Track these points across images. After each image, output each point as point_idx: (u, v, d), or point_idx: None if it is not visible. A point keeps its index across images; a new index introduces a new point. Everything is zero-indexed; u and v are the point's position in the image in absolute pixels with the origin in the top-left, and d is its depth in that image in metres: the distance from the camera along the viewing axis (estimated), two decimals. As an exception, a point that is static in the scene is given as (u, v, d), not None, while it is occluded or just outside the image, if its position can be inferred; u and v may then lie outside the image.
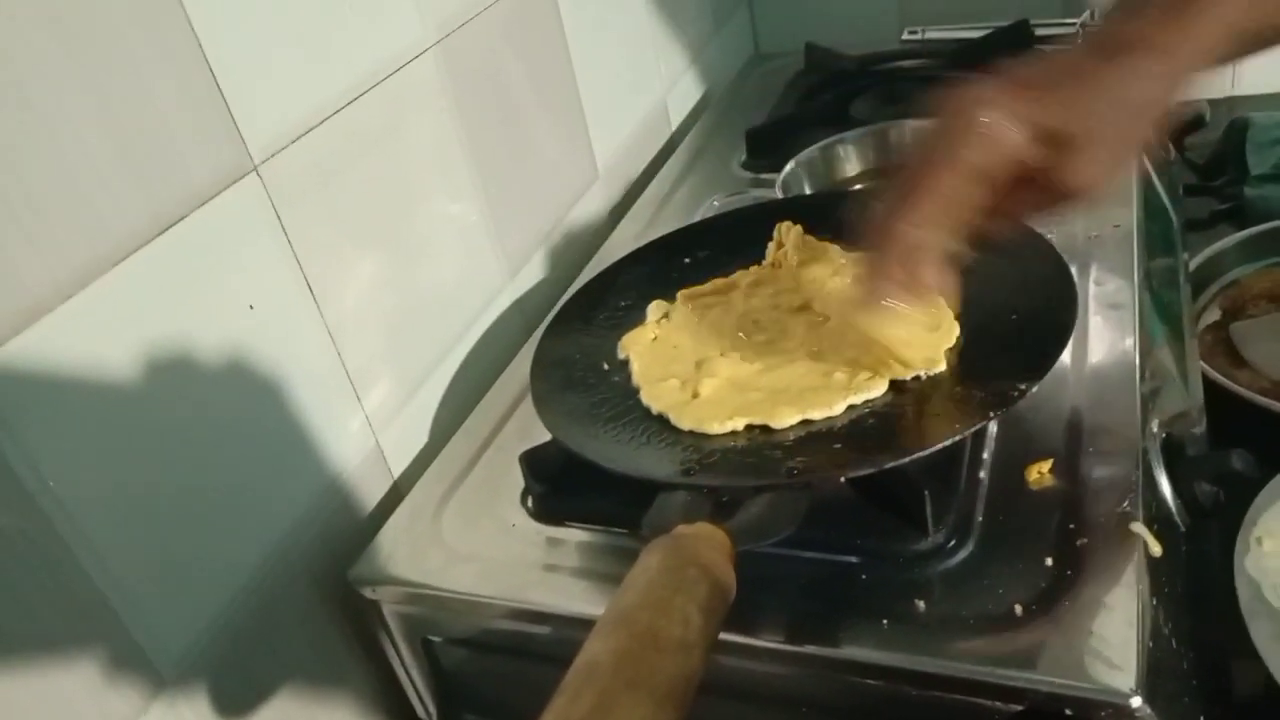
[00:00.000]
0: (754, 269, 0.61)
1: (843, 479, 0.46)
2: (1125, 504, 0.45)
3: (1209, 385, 0.67)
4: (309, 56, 0.55)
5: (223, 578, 0.51)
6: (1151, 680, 0.38)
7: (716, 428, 0.48)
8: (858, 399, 0.48)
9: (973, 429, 0.44)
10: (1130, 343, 0.55)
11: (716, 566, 0.38)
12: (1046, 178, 0.41)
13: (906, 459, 0.43)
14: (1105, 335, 0.56)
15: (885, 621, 0.43)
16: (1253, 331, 0.74)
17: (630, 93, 0.95)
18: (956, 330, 0.51)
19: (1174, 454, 0.50)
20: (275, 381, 0.53)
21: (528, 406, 0.57)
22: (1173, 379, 0.59)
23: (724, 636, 0.39)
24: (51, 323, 0.41)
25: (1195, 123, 0.88)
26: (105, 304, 0.44)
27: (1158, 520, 0.46)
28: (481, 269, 0.72)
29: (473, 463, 0.60)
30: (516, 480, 0.56)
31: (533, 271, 0.78)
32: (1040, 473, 0.48)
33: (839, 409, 0.47)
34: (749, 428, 0.48)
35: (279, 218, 0.53)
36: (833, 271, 0.57)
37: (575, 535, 0.52)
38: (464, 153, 0.69)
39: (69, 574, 0.43)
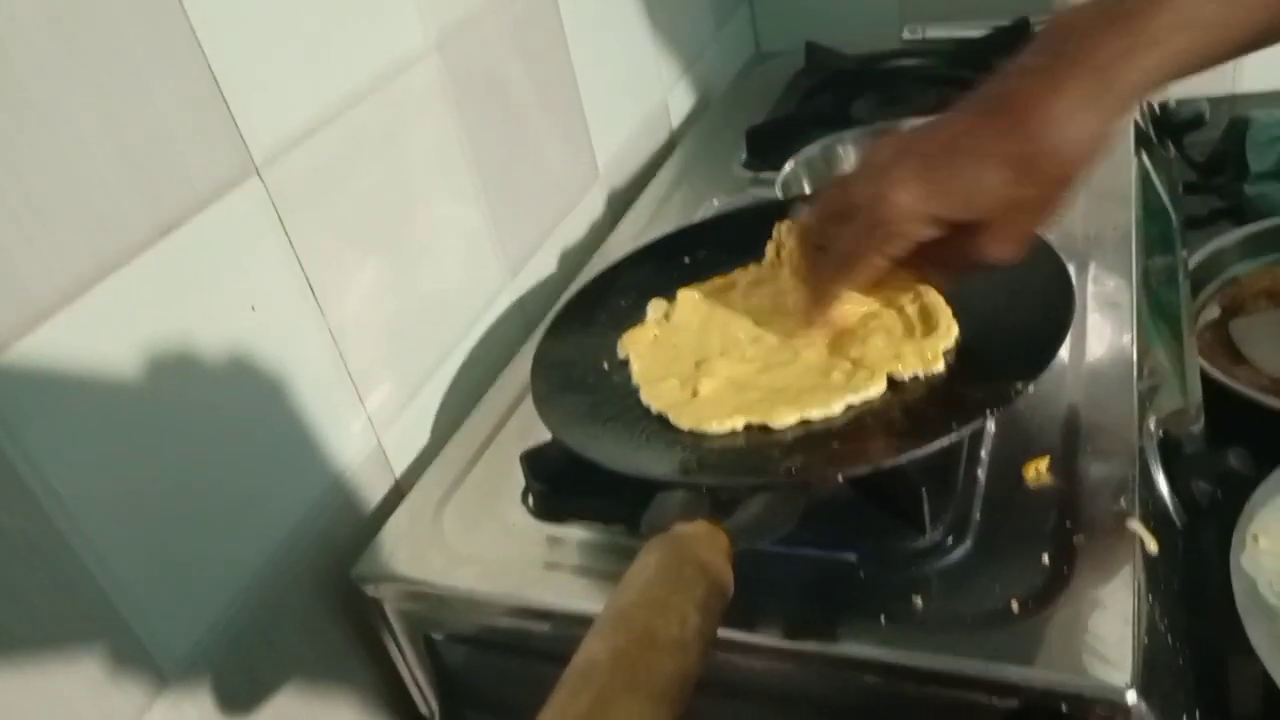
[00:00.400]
0: (753, 268, 0.61)
1: (841, 478, 0.47)
2: (1122, 502, 0.45)
3: (1208, 383, 0.67)
4: (311, 60, 0.55)
5: (225, 577, 0.51)
6: (1147, 677, 0.38)
7: (716, 427, 0.49)
8: (856, 399, 0.48)
9: (970, 427, 0.44)
10: (1128, 341, 0.55)
11: (714, 565, 0.38)
12: (953, 245, 0.43)
13: (904, 457, 0.43)
14: (1103, 334, 0.56)
15: (883, 619, 0.43)
16: (1252, 329, 0.74)
17: (630, 93, 0.95)
18: (955, 329, 0.51)
19: (1171, 452, 0.50)
20: (277, 382, 0.54)
21: (528, 406, 0.57)
22: (1171, 377, 0.60)
23: (723, 634, 0.39)
24: (54, 326, 0.42)
25: (1195, 121, 0.88)
26: (108, 307, 0.44)
27: (1154, 518, 0.46)
28: (482, 270, 0.72)
29: (474, 462, 0.60)
30: (517, 479, 0.56)
31: (533, 272, 0.78)
32: (1038, 471, 0.48)
33: (838, 409, 0.48)
34: (748, 427, 0.48)
35: (281, 220, 0.53)
36: None
37: (575, 534, 0.53)
38: (465, 155, 0.69)
39: (72, 574, 0.43)
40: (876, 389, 0.48)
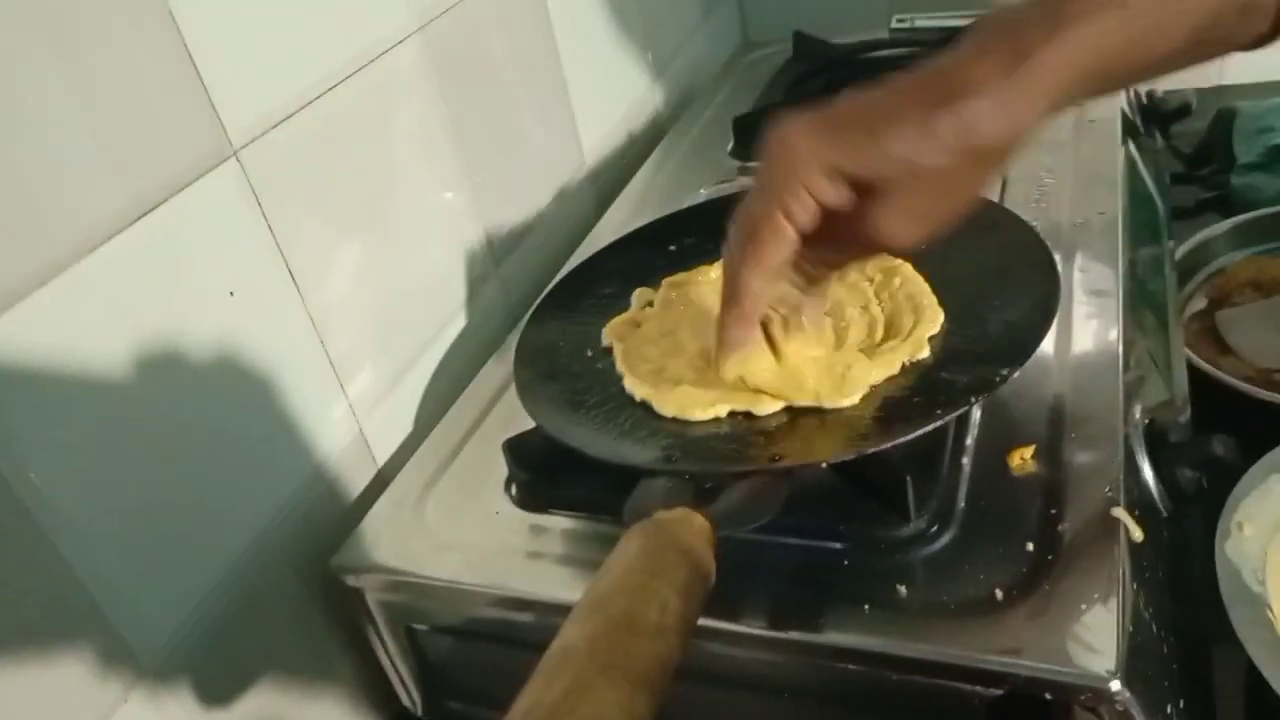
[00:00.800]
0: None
1: (824, 465, 0.46)
2: (1107, 490, 0.45)
3: (1194, 373, 0.67)
4: (290, 40, 0.54)
5: (204, 566, 0.51)
6: (1131, 664, 0.38)
7: (699, 414, 0.48)
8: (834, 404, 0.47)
9: (955, 414, 0.44)
10: (1114, 330, 0.55)
11: (696, 551, 0.38)
12: (848, 221, 0.40)
13: (889, 444, 0.43)
14: (1089, 322, 0.56)
15: (867, 607, 0.43)
16: (1238, 319, 0.74)
17: (617, 80, 0.95)
18: (940, 316, 0.51)
19: (1156, 440, 0.50)
20: (257, 369, 0.53)
21: (512, 394, 0.56)
22: (1157, 367, 0.60)
23: (706, 622, 0.39)
24: (26, 309, 0.41)
25: (1182, 111, 0.88)
26: (81, 290, 0.43)
27: (1139, 506, 0.46)
28: (466, 256, 0.72)
29: (457, 450, 0.60)
30: (500, 468, 0.56)
31: (518, 259, 0.78)
32: (1023, 459, 0.48)
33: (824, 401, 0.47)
34: (732, 414, 0.48)
35: (260, 204, 0.52)
36: None
37: (559, 522, 0.52)
38: (448, 139, 0.68)
39: (48, 563, 0.42)
40: (853, 399, 0.47)
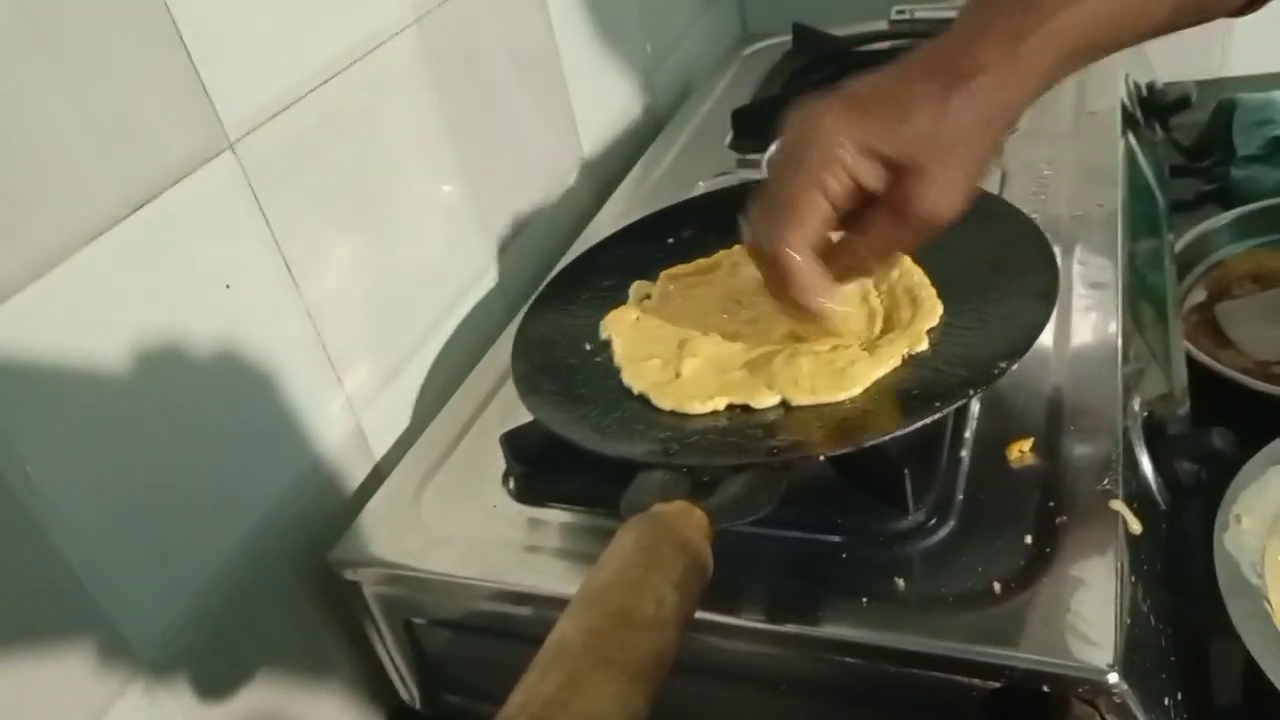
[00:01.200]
0: (737, 249, 0.60)
1: (822, 458, 0.46)
2: (1106, 482, 0.45)
3: (1193, 365, 0.67)
4: (286, 33, 0.54)
5: (201, 560, 0.50)
6: (1129, 657, 0.38)
7: (698, 407, 0.48)
8: (833, 398, 0.47)
9: (953, 406, 0.43)
10: (1113, 323, 0.54)
11: (693, 544, 0.38)
12: (893, 205, 0.42)
13: (886, 437, 0.42)
14: (1088, 315, 0.55)
15: (865, 600, 0.43)
16: (1237, 312, 0.74)
17: (616, 72, 0.95)
18: (939, 308, 0.51)
19: (1155, 433, 0.50)
20: (254, 362, 0.53)
21: (510, 388, 0.56)
22: (1156, 359, 0.59)
23: (704, 615, 0.39)
24: (20, 304, 0.41)
25: (1181, 103, 0.88)
26: (76, 284, 0.43)
27: (1138, 498, 0.46)
28: (464, 249, 0.71)
29: (454, 444, 0.60)
30: (498, 461, 0.55)
31: (516, 252, 0.78)
32: (1021, 451, 0.47)
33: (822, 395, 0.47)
34: (730, 407, 0.48)
35: (255, 197, 0.52)
36: None
37: (556, 516, 0.52)
38: (445, 131, 0.68)
39: (43, 557, 0.42)
40: (853, 391, 0.47)
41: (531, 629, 0.47)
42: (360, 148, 0.60)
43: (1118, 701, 0.38)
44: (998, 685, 0.40)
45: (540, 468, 0.54)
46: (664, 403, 0.49)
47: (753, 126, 0.86)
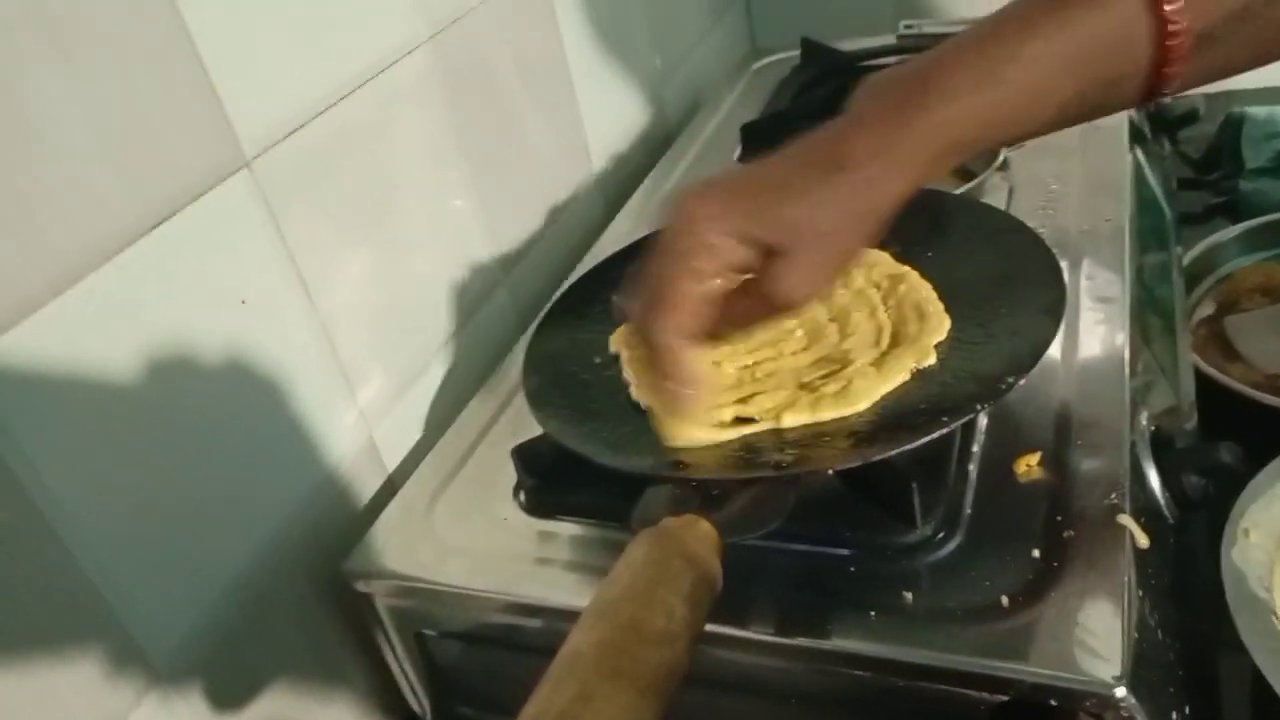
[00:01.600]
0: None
1: (831, 472, 0.47)
2: (1113, 496, 0.45)
3: (1202, 379, 0.67)
4: (301, 51, 0.55)
5: (216, 571, 0.51)
6: (1137, 671, 0.38)
7: (704, 435, 0.48)
8: (840, 413, 0.47)
9: (960, 421, 0.44)
10: (1120, 337, 0.55)
11: (702, 558, 0.38)
12: (755, 283, 0.43)
13: (894, 451, 0.43)
14: (1095, 329, 0.56)
15: (873, 613, 0.43)
16: (1246, 325, 0.74)
17: (625, 88, 0.95)
18: (946, 323, 0.51)
19: (1163, 446, 0.50)
20: (269, 376, 0.54)
21: (521, 401, 0.57)
22: (1164, 373, 0.60)
23: (713, 628, 0.39)
24: (43, 319, 0.42)
25: (1189, 116, 0.88)
26: (97, 299, 0.44)
27: (1145, 512, 0.46)
28: (475, 264, 0.72)
29: (466, 457, 0.60)
30: (509, 474, 0.56)
31: (526, 266, 0.78)
32: (1029, 465, 0.48)
33: (826, 415, 0.47)
34: (738, 421, 0.48)
35: (271, 213, 0.53)
36: None
37: (567, 529, 0.53)
38: (457, 148, 0.69)
39: (63, 568, 0.43)
40: (860, 406, 0.47)
41: (542, 641, 0.48)
42: (373, 163, 0.61)
43: (1125, 715, 0.38)
44: (1005, 699, 0.40)
45: (551, 481, 0.54)
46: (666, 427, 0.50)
47: (762, 141, 0.87)
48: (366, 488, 0.61)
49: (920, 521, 0.46)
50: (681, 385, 0.45)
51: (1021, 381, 0.44)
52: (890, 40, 1.06)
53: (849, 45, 1.04)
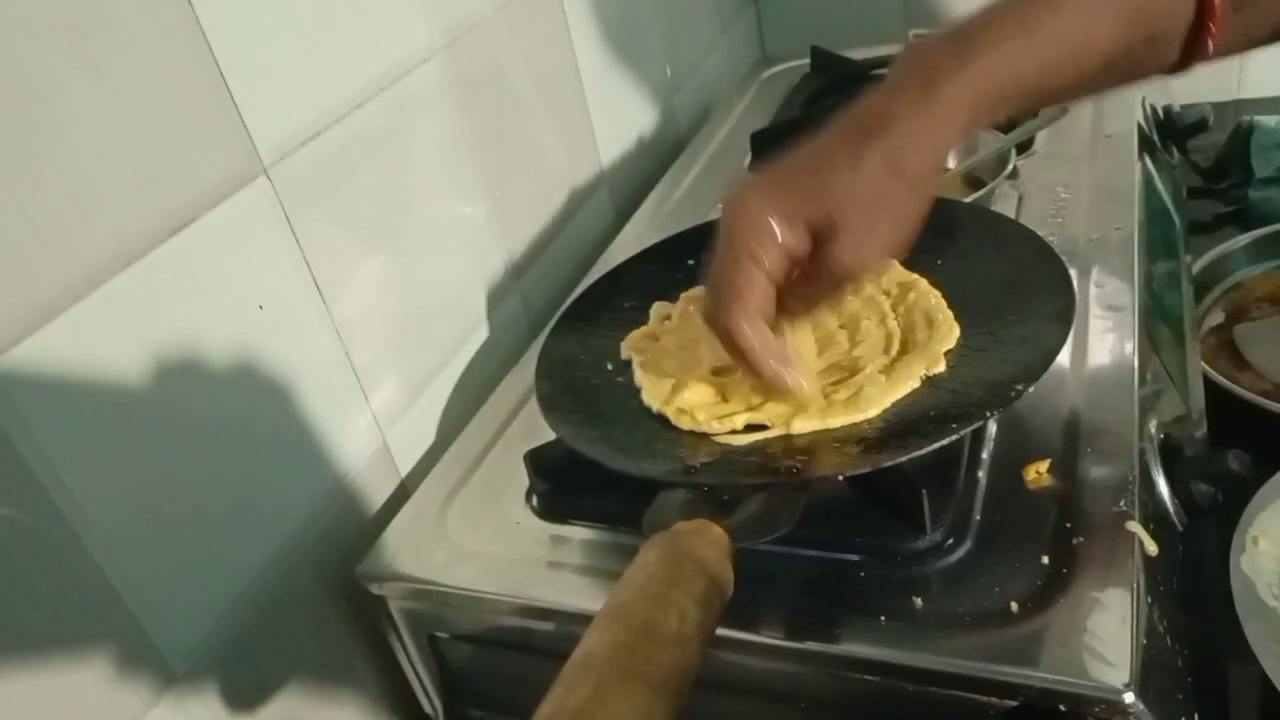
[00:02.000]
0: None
1: (841, 477, 0.47)
2: (1122, 503, 0.45)
3: (1211, 387, 0.67)
4: (318, 59, 0.55)
5: (232, 573, 0.52)
6: (1145, 677, 0.38)
7: (717, 427, 0.49)
8: (850, 420, 0.48)
9: (970, 428, 0.44)
10: (1130, 345, 0.55)
11: (714, 562, 0.38)
12: (817, 265, 0.43)
13: (904, 458, 0.43)
14: (1105, 337, 0.56)
15: (883, 618, 0.43)
16: (1255, 334, 0.74)
17: (636, 96, 0.96)
18: (956, 330, 0.51)
19: (1172, 454, 0.50)
20: (284, 380, 0.54)
21: (533, 406, 0.57)
22: (1173, 381, 0.60)
23: (724, 632, 0.39)
24: (64, 323, 0.42)
25: (1199, 126, 0.88)
26: (117, 304, 0.45)
27: (1154, 520, 0.46)
28: (488, 270, 0.73)
29: (478, 461, 0.61)
30: (521, 479, 0.56)
31: (538, 272, 0.79)
32: (1038, 472, 0.48)
33: (836, 423, 0.48)
34: (749, 427, 0.49)
35: (288, 219, 0.54)
36: None
37: (579, 533, 0.53)
38: (470, 155, 0.70)
39: (83, 569, 0.43)
40: (870, 413, 0.48)
41: (553, 644, 0.48)
42: (387, 170, 0.62)
43: (1134, 721, 0.38)
44: (1014, 704, 0.40)
45: (563, 485, 0.55)
46: (683, 422, 0.50)
47: (772, 149, 0.86)
48: (380, 492, 0.62)
49: (930, 527, 0.46)
50: (777, 365, 0.45)
51: (1031, 389, 0.45)
52: (899, 48, 1.06)
53: (858, 54, 1.04)
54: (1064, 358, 0.53)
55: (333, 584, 0.57)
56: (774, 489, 0.44)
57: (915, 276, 0.56)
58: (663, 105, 1.01)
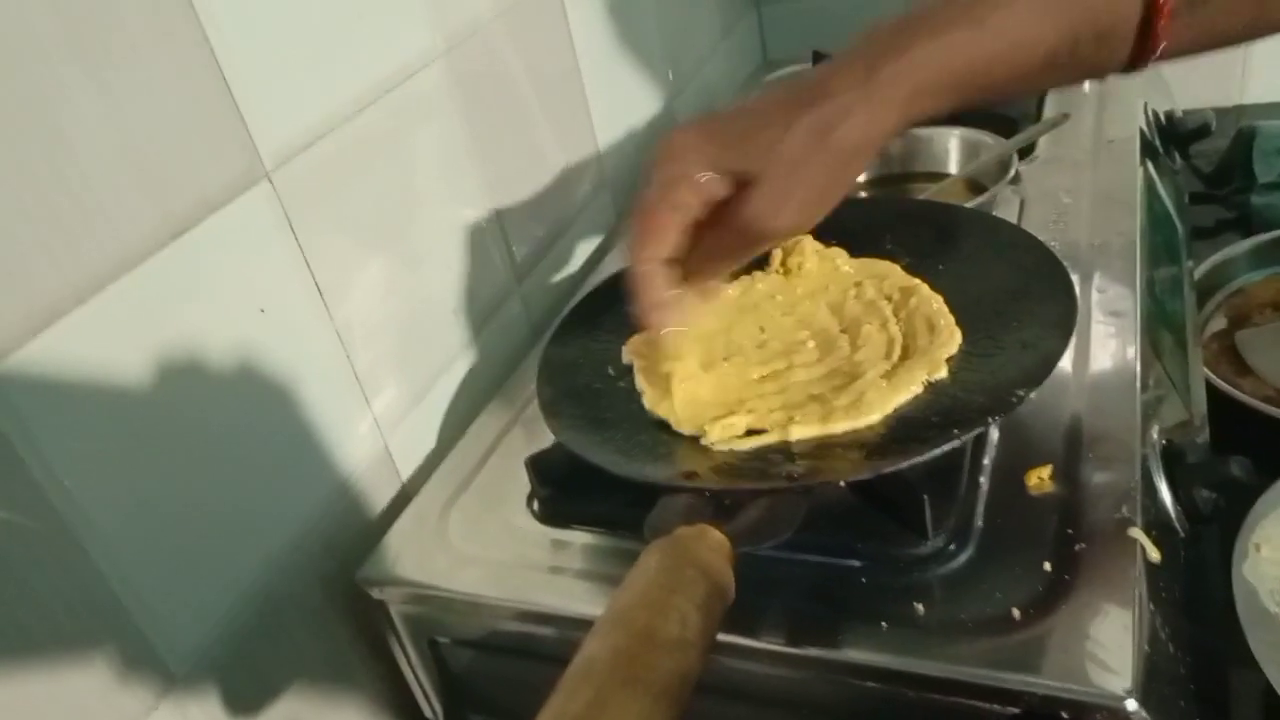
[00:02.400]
0: (758, 276, 0.61)
1: (843, 483, 0.47)
2: (1124, 510, 0.45)
3: (1213, 392, 0.67)
4: (320, 63, 0.56)
5: (232, 577, 0.52)
6: (1147, 684, 0.38)
7: (718, 433, 0.49)
8: (852, 425, 0.48)
9: (971, 434, 0.44)
10: (1131, 350, 0.55)
11: (715, 567, 0.38)
12: (729, 213, 0.44)
13: (905, 464, 0.43)
14: (1107, 343, 0.56)
15: (884, 624, 0.43)
16: (1257, 339, 0.74)
17: (638, 99, 0.96)
18: (958, 336, 0.51)
19: (1174, 460, 0.50)
20: (286, 384, 0.54)
21: (534, 411, 0.57)
22: (1175, 387, 0.60)
23: (725, 638, 0.40)
24: (66, 326, 0.42)
25: (1201, 131, 0.88)
26: (120, 308, 0.45)
27: (1156, 526, 0.46)
28: (489, 274, 0.73)
29: (479, 466, 0.61)
30: (522, 483, 0.56)
31: (540, 276, 0.79)
32: (1040, 478, 0.48)
33: (839, 429, 0.47)
34: (750, 433, 0.49)
35: (290, 223, 0.54)
36: (825, 284, 0.58)
37: (580, 538, 0.53)
38: (472, 159, 0.70)
39: (82, 572, 0.43)
40: (872, 419, 0.48)
41: (554, 649, 0.48)
42: (389, 174, 0.62)
43: (1136, 728, 0.38)
44: (1016, 711, 0.40)
45: (564, 490, 0.55)
46: (684, 428, 0.50)
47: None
48: (381, 496, 0.62)
49: (931, 533, 0.46)
50: (652, 307, 0.46)
51: (1033, 394, 0.45)
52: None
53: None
54: (1066, 363, 0.53)
55: (333, 588, 0.57)
56: (776, 494, 0.44)
57: (917, 281, 0.56)
58: (665, 108, 1.01)
